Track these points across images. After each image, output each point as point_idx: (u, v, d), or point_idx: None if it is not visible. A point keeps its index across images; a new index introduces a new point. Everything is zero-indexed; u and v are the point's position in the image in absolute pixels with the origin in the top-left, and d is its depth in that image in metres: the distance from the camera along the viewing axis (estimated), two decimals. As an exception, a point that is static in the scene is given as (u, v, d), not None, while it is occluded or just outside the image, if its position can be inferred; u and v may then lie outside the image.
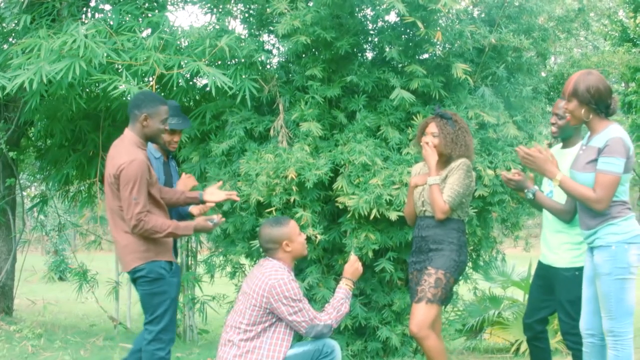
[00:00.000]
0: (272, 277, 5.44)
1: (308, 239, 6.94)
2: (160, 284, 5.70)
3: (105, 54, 7.53)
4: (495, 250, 9.09)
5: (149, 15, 8.49)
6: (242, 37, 8.48)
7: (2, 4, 9.40)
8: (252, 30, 8.86)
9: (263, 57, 8.31)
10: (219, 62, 8.26)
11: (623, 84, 17.60)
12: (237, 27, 10.40)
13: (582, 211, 5.39)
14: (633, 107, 15.48)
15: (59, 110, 9.28)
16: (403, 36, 8.44)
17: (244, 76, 8.06)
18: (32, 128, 10.58)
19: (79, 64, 7.39)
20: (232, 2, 8.94)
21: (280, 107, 8.20)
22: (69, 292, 12.68)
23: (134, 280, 5.81)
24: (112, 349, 8.83)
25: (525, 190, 5.98)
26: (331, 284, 7.80)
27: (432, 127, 6.24)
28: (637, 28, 15.98)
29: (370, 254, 7.53)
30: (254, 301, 5.44)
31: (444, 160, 6.13)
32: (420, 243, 6.15)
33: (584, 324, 5.48)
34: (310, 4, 8.06)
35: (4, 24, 9.36)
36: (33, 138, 11.00)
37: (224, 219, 6.17)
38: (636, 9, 16.04)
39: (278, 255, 5.67)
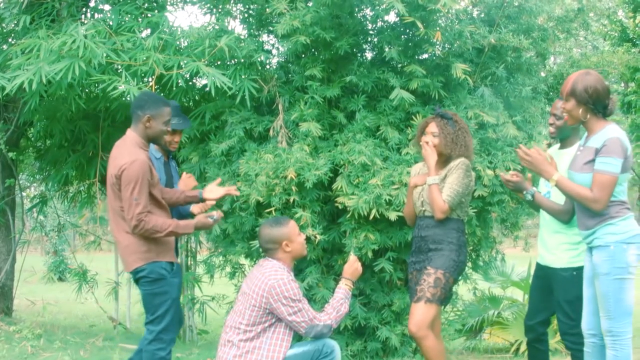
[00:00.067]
0: (272, 277, 5.44)
1: (307, 239, 6.94)
2: (162, 284, 5.72)
3: (104, 54, 7.54)
4: (495, 250, 9.10)
5: (149, 15, 8.49)
6: (242, 37, 8.47)
7: (1, 5, 9.40)
8: (252, 31, 8.86)
9: (262, 58, 8.31)
10: (219, 63, 8.26)
11: (622, 84, 17.62)
12: (237, 27, 10.43)
13: (580, 212, 5.40)
14: (632, 107, 15.51)
15: (59, 111, 9.28)
16: (402, 36, 8.44)
17: (243, 76, 8.06)
18: (32, 128, 10.58)
19: (79, 64, 7.39)
20: (232, 2, 8.93)
21: (280, 107, 8.20)
22: (69, 292, 12.69)
23: (136, 281, 5.84)
24: (111, 349, 8.83)
25: (524, 192, 6.00)
26: (331, 284, 7.80)
27: (432, 127, 6.25)
28: (637, 28, 15.99)
29: (370, 254, 7.53)
30: (253, 301, 5.44)
31: (444, 160, 6.13)
32: (420, 243, 6.15)
33: (586, 324, 5.49)
34: (310, 4, 8.05)
35: (3, 25, 9.35)
36: (32, 138, 11.00)
37: (222, 215, 6.17)
38: (635, 9, 16.06)
39: (278, 255, 5.67)
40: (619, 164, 5.14)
